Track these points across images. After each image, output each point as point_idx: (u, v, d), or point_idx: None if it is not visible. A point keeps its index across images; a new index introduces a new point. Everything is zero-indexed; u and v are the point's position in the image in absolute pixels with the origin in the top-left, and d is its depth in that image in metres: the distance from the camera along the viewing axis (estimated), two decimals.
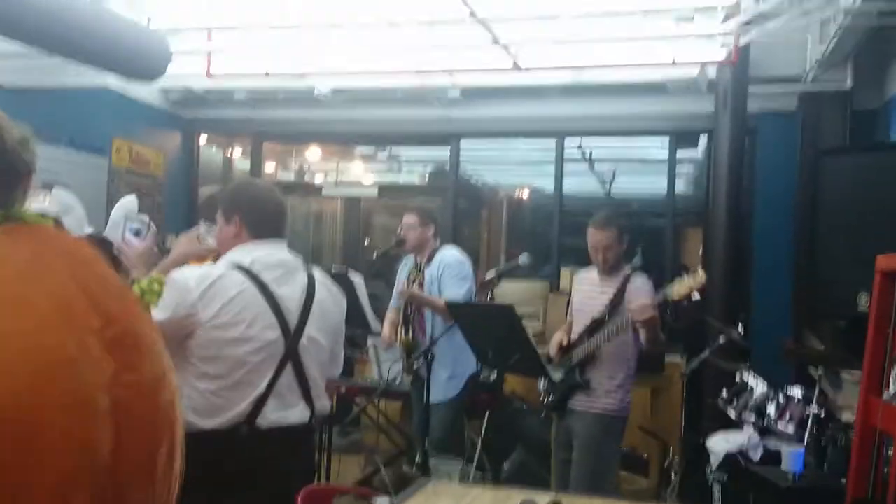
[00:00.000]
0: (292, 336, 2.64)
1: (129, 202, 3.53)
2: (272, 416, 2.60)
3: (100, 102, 7.05)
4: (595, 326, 4.07)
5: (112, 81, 6.66)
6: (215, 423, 2.55)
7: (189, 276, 2.57)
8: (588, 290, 4.26)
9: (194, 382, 2.56)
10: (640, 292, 3.99)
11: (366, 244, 8.72)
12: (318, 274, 2.84)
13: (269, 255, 2.69)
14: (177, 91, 7.69)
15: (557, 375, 4.11)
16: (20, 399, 1.39)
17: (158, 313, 2.51)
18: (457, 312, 4.11)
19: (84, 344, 1.57)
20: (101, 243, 3.27)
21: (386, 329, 5.19)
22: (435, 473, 3.02)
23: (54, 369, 1.50)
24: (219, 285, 2.55)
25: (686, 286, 3.79)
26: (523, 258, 4.25)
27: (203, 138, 8.45)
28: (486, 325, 3.89)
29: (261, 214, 2.75)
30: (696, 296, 3.79)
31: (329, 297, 2.83)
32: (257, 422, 2.58)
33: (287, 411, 2.65)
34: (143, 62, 5.18)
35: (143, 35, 5.24)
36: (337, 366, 2.91)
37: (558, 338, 4.31)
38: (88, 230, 3.33)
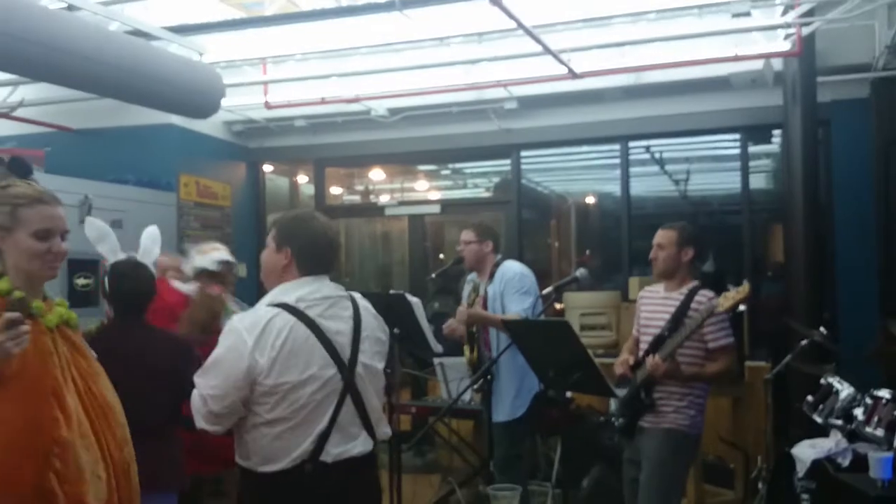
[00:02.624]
0: (348, 368, 2.61)
1: (153, 232, 3.64)
2: (335, 450, 2.57)
3: (165, 138, 7.20)
4: (657, 344, 3.88)
5: (175, 117, 6.80)
6: (280, 465, 2.53)
7: (239, 327, 2.54)
8: (653, 307, 4.07)
9: (254, 431, 2.55)
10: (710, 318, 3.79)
11: (440, 258, 8.69)
12: (358, 298, 2.80)
13: (313, 293, 2.64)
14: (239, 122, 7.83)
15: (622, 392, 3.95)
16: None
17: (211, 379, 2.52)
18: (513, 330, 3.98)
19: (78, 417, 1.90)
20: (138, 267, 3.35)
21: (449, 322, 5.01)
22: (493, 499, 2.93)
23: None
24: (269, 329, 2.52)
25: (731, 299, 3.66)
26: (581, 272, 4.12)
27: (268, 167, 8.58)
28: (543, 342, 3.76)
29: (312, 252, 2.70)
30: (742, 307, 3.65)
31: (374, 321, 2.80)
32: (321, 458, 2.55)
33: (349, 444, 2.61)
34: (197, 100, 5.25)
35: (195, 73, 5.30)
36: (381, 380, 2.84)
37: (623, 358, 4.09)
38: (122, 256, 3.41)
